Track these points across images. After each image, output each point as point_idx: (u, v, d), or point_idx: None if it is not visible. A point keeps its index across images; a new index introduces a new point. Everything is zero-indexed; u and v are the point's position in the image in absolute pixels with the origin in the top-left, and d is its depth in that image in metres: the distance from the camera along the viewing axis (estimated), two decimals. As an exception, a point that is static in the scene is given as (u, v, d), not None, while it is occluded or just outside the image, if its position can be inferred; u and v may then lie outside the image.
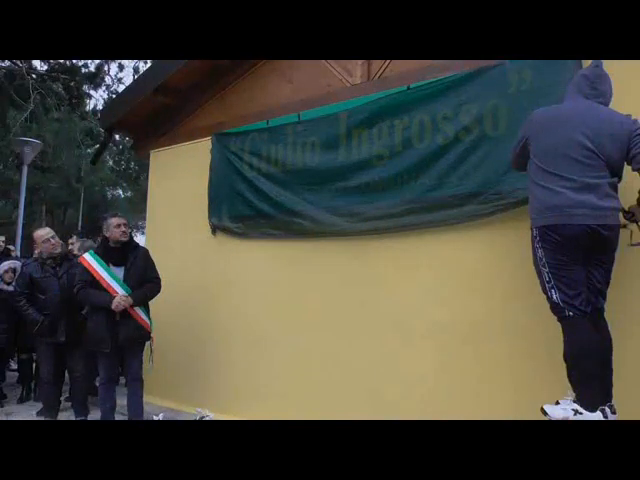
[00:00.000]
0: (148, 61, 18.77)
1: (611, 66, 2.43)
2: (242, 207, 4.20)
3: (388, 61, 3.63)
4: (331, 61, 3.91)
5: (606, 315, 2.40)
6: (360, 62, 3.75)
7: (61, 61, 16.79)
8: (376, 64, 3.70)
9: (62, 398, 4.42)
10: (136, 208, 18.36)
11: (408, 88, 3.37)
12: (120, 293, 3.58)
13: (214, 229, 4.39)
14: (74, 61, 17.28)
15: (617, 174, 2.32)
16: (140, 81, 4.86)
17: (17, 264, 4.70)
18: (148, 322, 3.74)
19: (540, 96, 2.85)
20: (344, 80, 3.84)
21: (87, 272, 3.64)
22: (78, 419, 4.12)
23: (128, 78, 19.26)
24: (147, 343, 3.84)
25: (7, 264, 4.79)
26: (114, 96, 14.06)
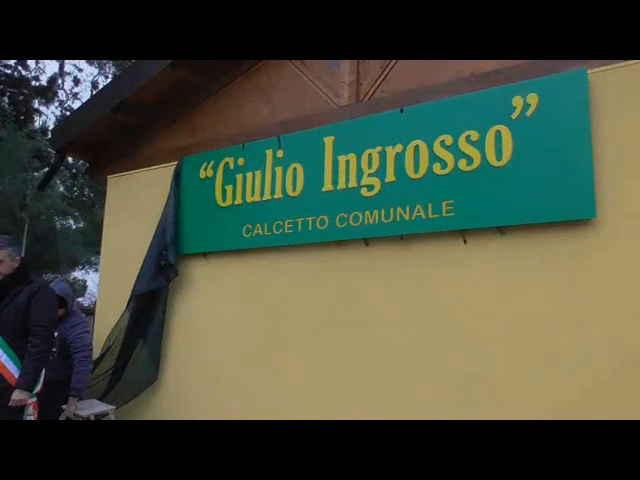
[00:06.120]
0: (108, 75, 19.06)
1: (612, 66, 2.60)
2: (215, 241, 4.20)
3: (379, 81, 3.76)
4: (315, 80, 4.01)
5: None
6: (348, 82, 3.87)
7: (8, 72, 16.86)
8: (366, 84, 3.81)
9: None
10: (89, 241, 18.00)
11: (401, 111, 3.50)
12: None
13: (174, 271, 4.26)
14: (23, 73, 17.39)
15: None
16: (98, 97, 4.88)
17: None
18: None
19: (546, 122, 3.01)
20: (330, 101, 3.94)
21: None
22: None
23: (85, 93, 19.50)
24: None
25: None
26: (68, 113, 14.06)
